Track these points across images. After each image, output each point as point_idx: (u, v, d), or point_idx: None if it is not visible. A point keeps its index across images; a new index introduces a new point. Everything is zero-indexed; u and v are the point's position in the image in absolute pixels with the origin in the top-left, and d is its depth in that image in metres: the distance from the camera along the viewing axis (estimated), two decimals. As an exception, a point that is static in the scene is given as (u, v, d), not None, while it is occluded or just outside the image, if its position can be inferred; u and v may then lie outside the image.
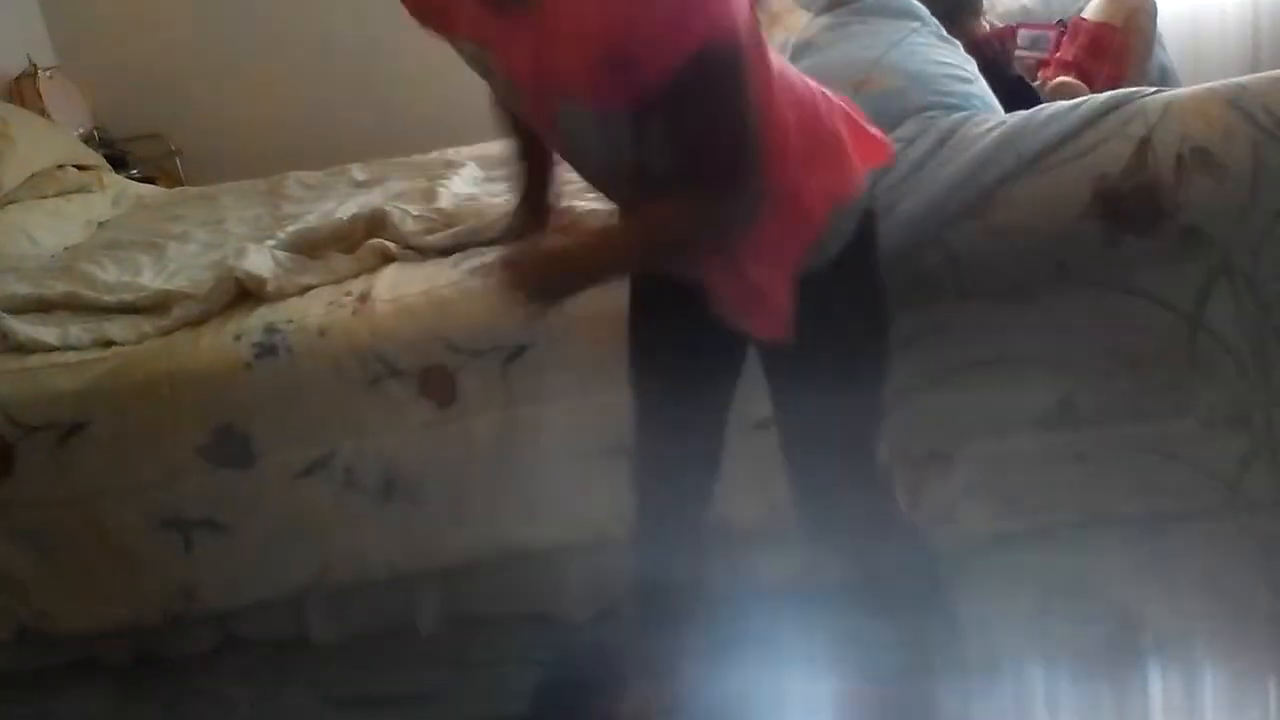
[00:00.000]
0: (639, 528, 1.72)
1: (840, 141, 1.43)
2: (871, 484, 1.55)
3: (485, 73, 1.40)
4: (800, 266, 1.39)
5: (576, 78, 1.25)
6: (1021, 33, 2.99)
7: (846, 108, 1.49)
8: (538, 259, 1.42)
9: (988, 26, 2.79)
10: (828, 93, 1.46)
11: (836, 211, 1.41)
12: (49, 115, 3.54)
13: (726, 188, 1.28)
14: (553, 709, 1.87)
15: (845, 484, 1.52)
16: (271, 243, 2.34)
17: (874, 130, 1.51)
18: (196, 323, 2.13)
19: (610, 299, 1.96)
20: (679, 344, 1.60)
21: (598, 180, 1.49)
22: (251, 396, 2.00)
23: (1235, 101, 1.76)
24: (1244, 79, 1.84)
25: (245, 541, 2.04)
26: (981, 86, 2.08)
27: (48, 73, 3.67)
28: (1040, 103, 2.01)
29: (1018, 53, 2.87)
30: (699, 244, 1.36)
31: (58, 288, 2.39)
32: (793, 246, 1.39)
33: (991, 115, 1.93)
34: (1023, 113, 1.88)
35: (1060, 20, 3.10)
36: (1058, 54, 2.96)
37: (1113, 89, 1.93)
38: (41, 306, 2.32)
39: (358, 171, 3.13)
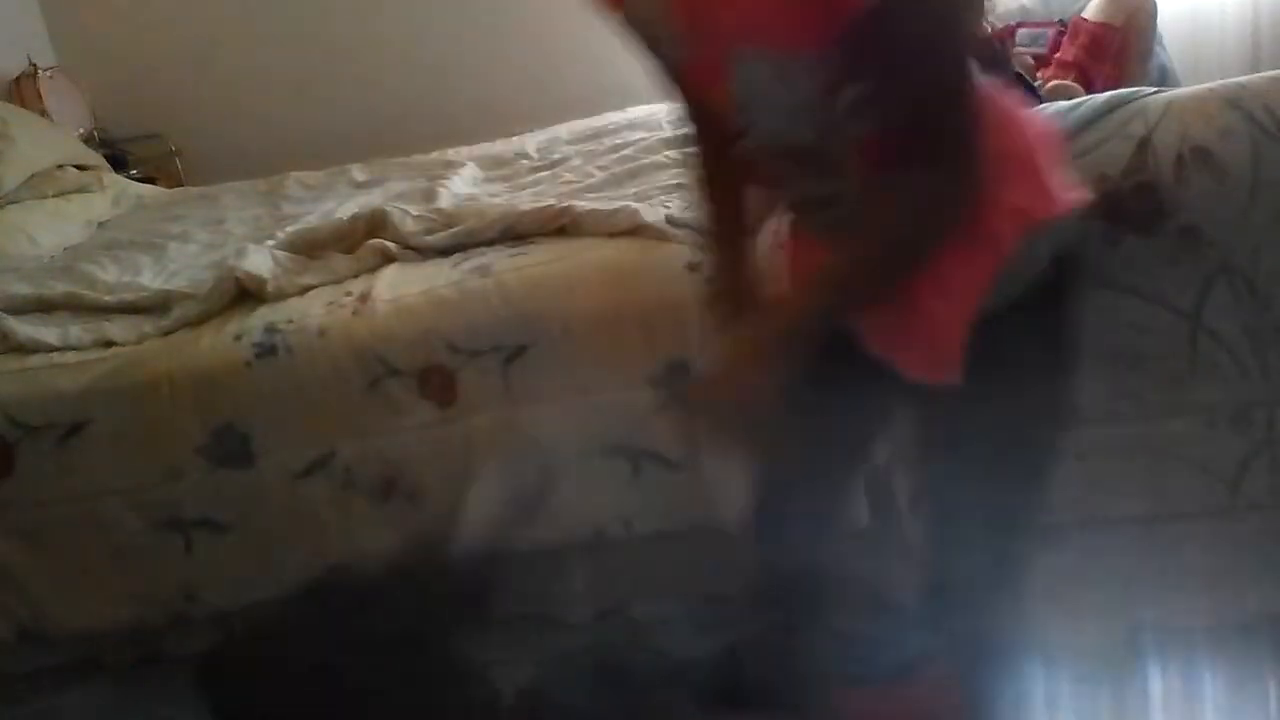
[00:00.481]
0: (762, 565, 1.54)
1: (1035, 157, 1.20)
2: (1013, 577, 1.35)
3: (653, 37, 1.19)
4: (981, 299, 1.17)
5: (759, 15, 1.04)
6: (1020, 31, 3.00)
7: (1048, 135, 1.27)
8: (762, 332, 1.18)
9: (988, 27, 2.79)
10: (1028, 109, 1.27)
11: (1029, 237, 1.17)
12: (49, 115, 3.54)
13: (953, 145, 1.06)
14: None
15: (988, 571, 1.31)
16: (271, 243, 2.35)
17: (1068, 172, 1.26)
18: (196, 323, 2.14)
19: (610, 298, 1.96)
20: (824, 388, 1.31)
21: (772, 156, 1.21)
22: (251, 396, 2.00)
23: (1235, 101, 1.76)
24: (1244, 79, 1.84)
25: (245, 541, 2.04)
26: (981, 86, 2.07)
27: (48, 73, 3.67)
28: (1040, 103, 2.01)
29: (1015, 49, 2.88)
30: (931, 237, 1.11)
31: (58, 288, 2.39)
32: (974, 273, 1.16)
33: (991, 115, 1.93)
34: (1023, 113, 1.87)
35: (1060, 20, 3.11)
36: (1058, 54, 2.96)
37: (1113, 89, 1.93)
38: (41, 306, 2.32)
39: (358, 171, 3.13)
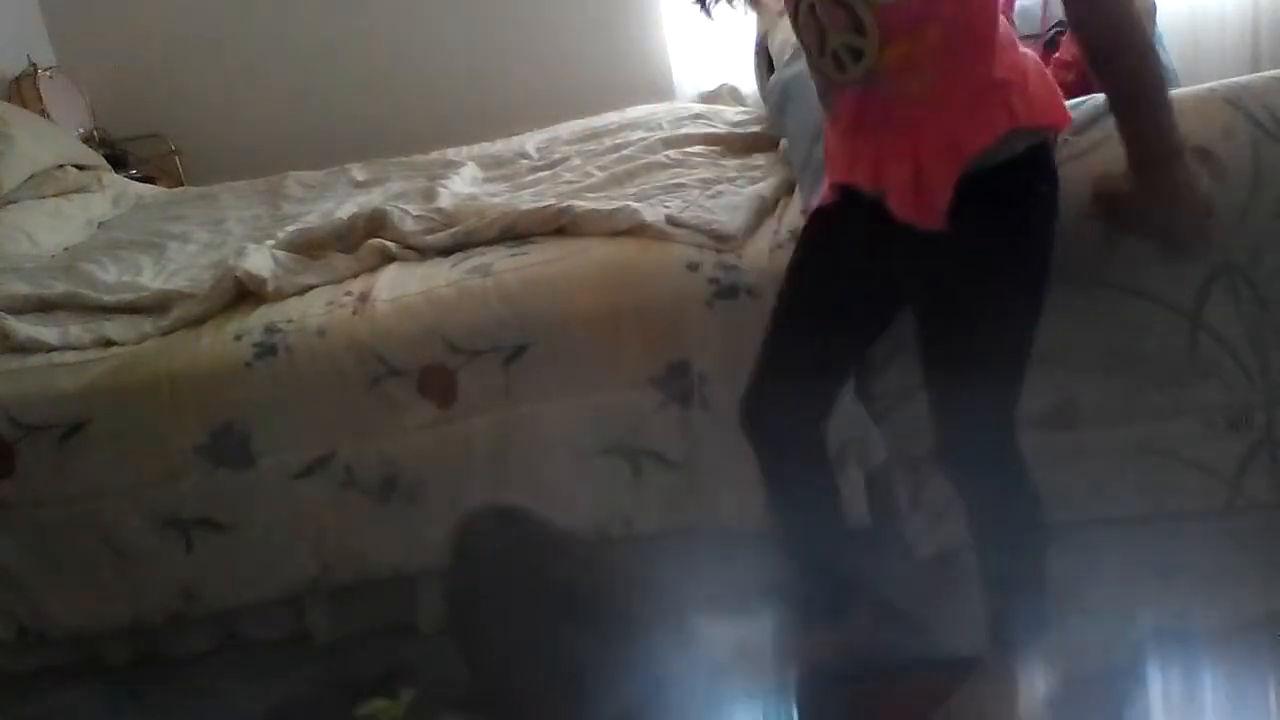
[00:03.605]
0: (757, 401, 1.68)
1: (1035, 72, 1.45)
2: (1008, 427, 1.55)
3: None
4: (965, 166, 1.39)
5: None
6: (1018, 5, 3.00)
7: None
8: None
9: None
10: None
11: (1013, 134, 1.41)
12: (49, 115, 3.54)
13: None
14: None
15: (986, 421, 1.54)
16: (271, 242, 2.35)
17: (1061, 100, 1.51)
18: (196, 323, 2.14)
19: (610, 298, 1.96)
20: (846, 264, 1.59)
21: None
22: (251, 396, 2.00)
23: (1235, 101, 1.76)
24: (1244, 79, 1.84)
25: (245, 541, 2.04)
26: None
27: (48, 73, 3.67)
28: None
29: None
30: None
31: (58, 288, 2.39)
32: (978, 134, 1.40)
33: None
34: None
35: (1059, 20, 3.10)
36: (1058, 54, 2.96)
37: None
38: (41, 306, 2.32)
39: (358, 171, 3.13)
